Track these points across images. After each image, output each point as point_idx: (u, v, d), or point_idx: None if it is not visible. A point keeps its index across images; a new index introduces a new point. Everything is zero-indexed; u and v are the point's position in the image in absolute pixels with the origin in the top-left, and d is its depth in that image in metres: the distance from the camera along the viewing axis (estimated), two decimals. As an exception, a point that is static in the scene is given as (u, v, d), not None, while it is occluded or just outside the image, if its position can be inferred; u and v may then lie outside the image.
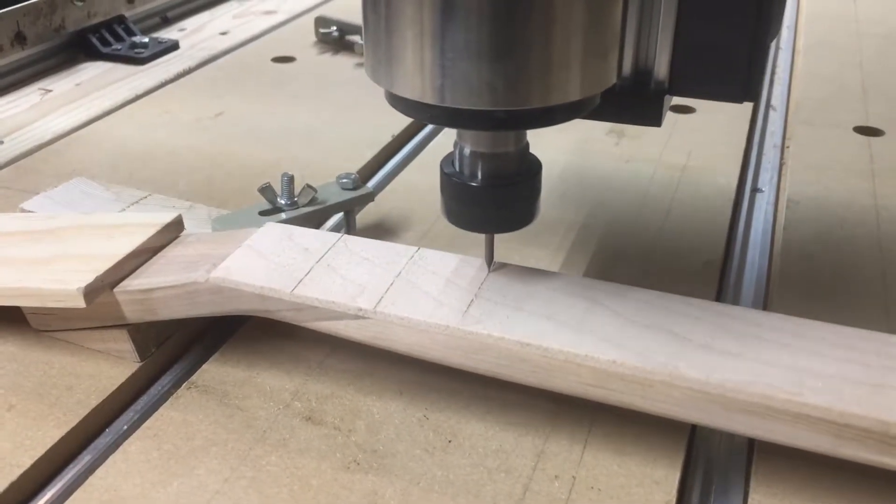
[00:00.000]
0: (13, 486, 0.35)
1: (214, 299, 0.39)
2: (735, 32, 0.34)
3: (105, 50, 0.83)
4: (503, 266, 0.39)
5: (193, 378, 0.41)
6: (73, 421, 0.38)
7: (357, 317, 0.37)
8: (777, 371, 0.33)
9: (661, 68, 0.36)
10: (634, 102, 0.37)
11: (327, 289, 0.38)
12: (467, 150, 0.36)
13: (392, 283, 0.38)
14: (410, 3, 0.30)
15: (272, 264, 0.39)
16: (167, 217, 0.44)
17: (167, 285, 0.40)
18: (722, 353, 0.34)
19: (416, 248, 0.41)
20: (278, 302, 0.38)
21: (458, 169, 0.37)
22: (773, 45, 0.87)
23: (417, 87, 0.32)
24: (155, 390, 0.41)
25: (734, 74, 0.35)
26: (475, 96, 0.31)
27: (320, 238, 0.42)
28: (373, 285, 0.38)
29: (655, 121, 0.37)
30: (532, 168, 0.37)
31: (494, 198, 0.36)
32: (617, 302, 0.37)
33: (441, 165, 0.38)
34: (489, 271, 0.39)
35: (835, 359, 0.33)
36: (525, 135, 0.37)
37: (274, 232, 0.42)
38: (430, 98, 0.32)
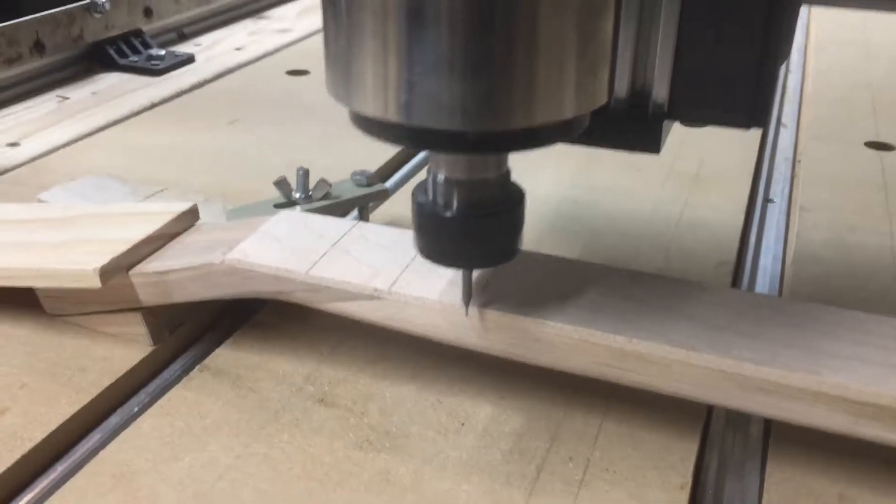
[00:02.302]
0: (24, 459, 0.35)
1: (230, 281, 0.39)
2: (740, 53, 0.31)
3: (122, 61, 0.84)
4: (520, 251, 0.39)
5: (206, 362, 0.41)
6: (84, 399, 0.38)
7: (372, 297, 0.37)
8: (794, 351, 0.33)
9: (661, 91, 0.33)
10: (631, 127, 0.33)
11: (342, 270, 0.38)
12: (441, 177, 0.32)
13: (407, 266, 0.38)
14: (372, 11, 0.26)
15: (288, 248, 0.40)
16: (183, 205, 0.44)
17: (183, 267, 0.40)
18: (739, 334, 0.34)
19: (432, 234, 0.41)
20: (293, 283, 0.38)
21: (431, 198, 0.33)
22: (783, 68, 0.88)
23: (380, 103, 0.27)
24: (168, 374, 0.41)
25: (740, 99, 0.32)
26: (445, 115, 0.27)
27: (335, 225, 0.42)
28: (388, 268, 0.38)
29: (654, 147, 0.34)
30: (513, 197, 0.33)
31: (471, 230, 0.32)
32: (633, 286, 0.37)
33: (413, 194, 0.33)
34: (466, 313, 0.35)
35: (851, 341, 0.33)
36: (506, 159, 0.33)
37: (289, 219, 0.42)
38: (393, 116, 0.27)
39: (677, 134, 0.68)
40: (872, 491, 0.33)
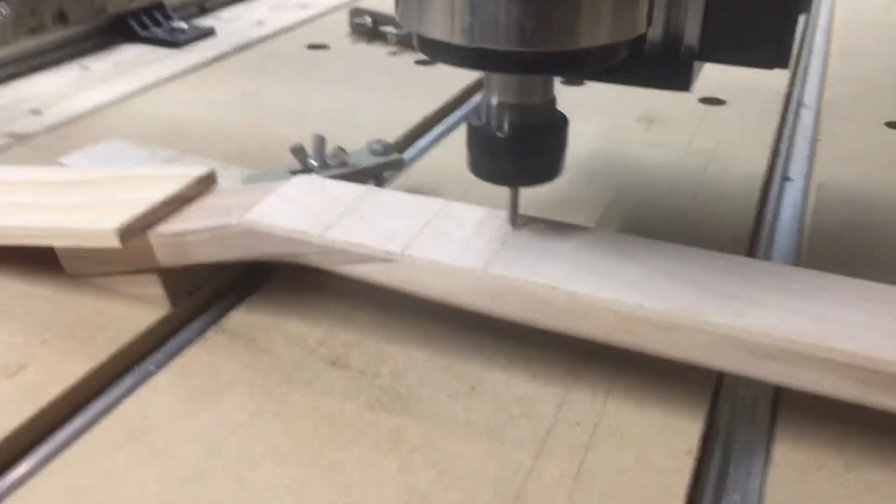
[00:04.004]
0: (43, 412, 0.36)
1: (245, 242, 0.40)
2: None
3: (144, 34, 0.85)
4: (531, 219, 0.39)
5: (221, 323, 0.42)
6: (103, 356, 0.39)
7: (385, 260, 0.37)
8: (803, 318, 0.33)
9: (692, 34, 0.36)
10: (665, 68, 0.37)
11: (357, 233, 0.38)
12: (494, 101, 0.36)
13: (420, 231, 0.38)
14: None
15: (303, 211, 0.40)
16: (201, 170, 0.45)
17: (200, 228, 0.40)
18: (748, 301, 0.34)
19: (445, 201, 0.41)
20: (307, 245, 0.38)
21: (484, 121, 0.37)
22: (806, 48, 0.87)
23: (447, 27, 0.31)
24: (184, 335, 0.42)
25: (765, 40, 0.35)
26: (504, 37, 0.31)
27: (351, 189, 0.42)
28: (401, 232, 0.38)
29: (685, 85, 0.37)
30: (558, 121, 0.37)
31: (520, 149, 0.36)
32: (644, 253, 0.37)
33: (468, 119, 0.38)
34: (513, 228, 0.39)
35: (862, 309, 0.33)
36: (552, 88, 0.37)
37: (306, 183, 0.43)
38: (458, 39, 0.31)
39: (696, 113, 0.68)
40: (877, 459, 0.33)
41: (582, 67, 0.33)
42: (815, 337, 0.32)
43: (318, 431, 0.35)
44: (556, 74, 0.36)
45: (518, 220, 0.39)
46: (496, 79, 0.36)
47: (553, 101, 0.37)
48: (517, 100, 0.36)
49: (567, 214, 0.52)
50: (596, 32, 0.31)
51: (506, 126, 0.36)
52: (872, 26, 0.92)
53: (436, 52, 0.33)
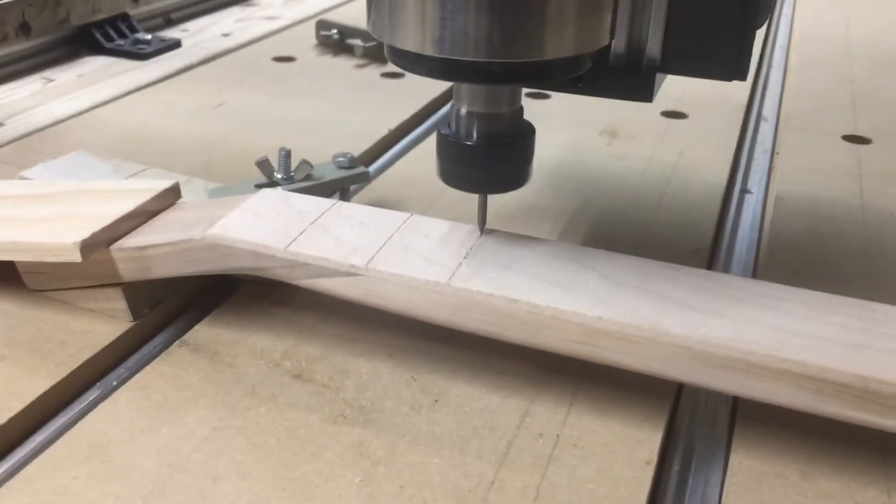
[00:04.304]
0: (3, 429, 0.35)
1: (209, 256, 0.40)
2: (726, 14, 0.36)
3: (108, 45, 0.85)
4: (494, 231, 0.40)
5: (185, 337, 0.41)
6: (64, 372, 0.38)
7: (349, 274, 0.37)
8: (760, 329, 0.33)
9: (654, 47, 0.37)
10: (628, 79, 0.38)
11: (321, 246, 0.38)
12: (463, 111, 0.37)
13: (384, 244, 0.39)
14: None
15: (267, 225, 0.40)
16: (165, 183, 0.45)
17: (163, 242, 0.40)
18: (706, 313, 0.34)
19: (410, 214, 0.41)
20: (272, 259, 0.39)
21: (453, 129, 0.38)
22: (766, 63, 0.89)
23: (417, 39, 0.33)
24: (147, 349, 0.42)
25: (724, 53, 0.36)
26: (472, 48, 0.32)
27: (316, 203, 0.42)
28: (365, 245, 0.38)
29: (647, 96, 0.38)
30: (526, 130, 0.38)
31: (488, 157, 0.37)
32: (606, 265, 0.37)
33: (437, 128, 0.39)
34: (481, 234, 0.39)
35: (817, 321, 0.34)
36: (520, 97, 0.38)
37: (270, 197, 0.43)
38: (429, 50, 0.32)
39: (659, 126, 0.69)
40: (832, 468, 0.34)
41: (548, 78, 0.34)
42: (769, 348, 0.32)
43: (281, 445, 0.35)
44: (523, 85, 0.37)
45: (485, 227, 0.40)
46: (465, 88, 0.37)
47: (520, 110, 0.38)
48: (485, 109, 0.37)
49: (531, 225, 0.52)
50: (560, 45, 0.33)
51: (474, 134, 0.37)
52: (831, 40, 0.94)
53: (406, 62, 0.35)
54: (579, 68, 0.35)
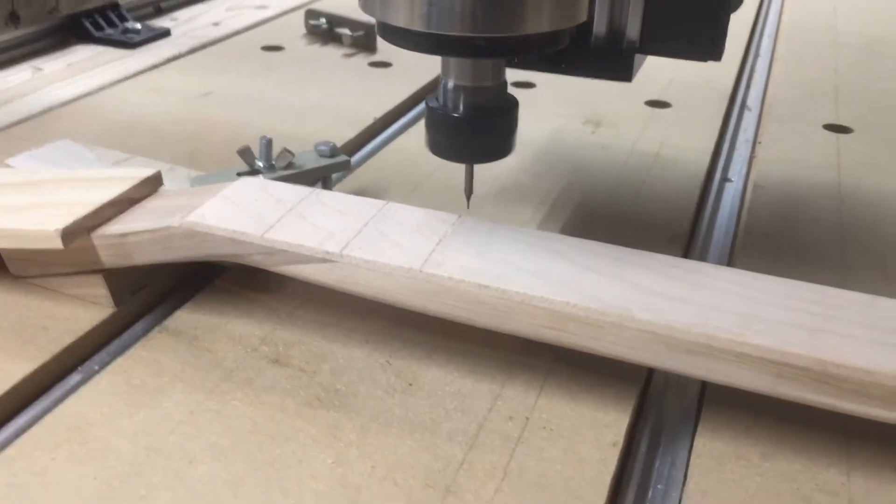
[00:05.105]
0: (-16, 412, 0.36)
1: (187, 244, 0.40)
2: None
3: (97, 34, 0.85)
4: (468, 219, 0.41)
5: (165, 323, 0.42)
6: (45, 357, 0.39)
7: (324, 260, 0.38)
8: (723, 315, 0.34)
9: (633, 28, 0.39)
10: (608, 60, 0.40)
11: (297, 233, 0.39)
12: (450, 84, 0.39)
13: (360, 231, 0.39)
14: None
15: (245, 212, 0.41)
16: (147, 171, 0.45)
17: (143, 230, 0.41)
18: (672, 299, 0.35)
19: (386, 202, 0.42)
20: (249, 246, 0.39)
21: (441, 102, 0.40)
22: (752, 52, 0.89)
23: (406, 15, 0.34)
24: (128, 335, 0.42)
25: (700, 35, 0.38)
26: (458, 23, 0.34)
27: (294, 191, 0.43)
28: (341, 232, 0.39)
29: (626, 76, 0.40)
30: (509, 102, 0.40)
31: (474, 128, 0.39)
32: (577, 253, 0.38)
33: (426, 101, 0.41)
34: (468, 204, 0.43)
35: (780, 307, 0.35)
36: (503, 72, 0.40)
37: (249, 185, 0.43)
38: (417, 25, 0.34)
39: (642, 115, 0.69)
40: (792, 449, 0.35)
41: (528, 52, 0.36)
42: (732, 333, 0.33)
43: (257, 428, 0.36)
44: (505, 57, 0.39)
45: (460, 215, 0.41)
46: (452, 63, 0.39)
47: (504, 84, 0.40)
48: (471, 82, 0.39)
49: (513, 212, 0.53)
50: (539, 20, 0.35)
51: (461, 107, 0.39)
52: (818, 30, 0.94)
53: (396, 38, 0.36)
54: (558, 43, 0.37)
